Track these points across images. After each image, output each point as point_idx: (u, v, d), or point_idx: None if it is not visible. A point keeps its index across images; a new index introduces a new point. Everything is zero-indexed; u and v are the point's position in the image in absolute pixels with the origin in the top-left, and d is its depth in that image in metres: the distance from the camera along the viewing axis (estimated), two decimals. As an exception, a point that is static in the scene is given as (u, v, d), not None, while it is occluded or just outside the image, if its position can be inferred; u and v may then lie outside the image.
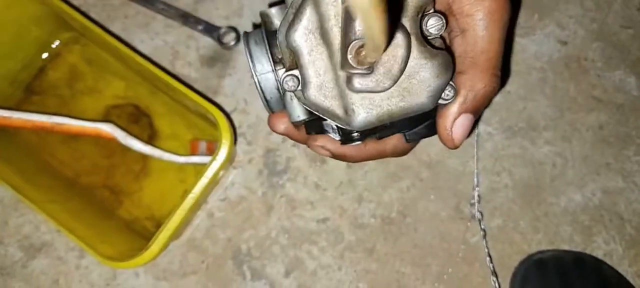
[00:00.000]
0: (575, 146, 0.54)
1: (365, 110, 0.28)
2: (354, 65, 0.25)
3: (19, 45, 0.54)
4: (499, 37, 0.29)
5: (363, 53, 0.24)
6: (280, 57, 0.32)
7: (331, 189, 0.53)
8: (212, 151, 0.53)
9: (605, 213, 0.52)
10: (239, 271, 0.51)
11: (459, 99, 0.30)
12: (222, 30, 0.56)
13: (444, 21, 0.28)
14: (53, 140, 0.55)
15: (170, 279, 0.51)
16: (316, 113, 0.30)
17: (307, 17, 0.27)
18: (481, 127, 0.54)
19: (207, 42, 0.56)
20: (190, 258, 0.52)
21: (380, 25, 0.18)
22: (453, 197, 0.53)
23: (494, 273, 0.50)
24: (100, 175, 0.54)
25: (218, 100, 0.55)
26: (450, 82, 0.29)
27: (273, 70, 0.32)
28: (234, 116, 0.55)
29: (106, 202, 0.54)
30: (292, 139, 0.37)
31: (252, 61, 0.32)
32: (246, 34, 0.33)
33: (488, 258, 0.51)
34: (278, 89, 0.33)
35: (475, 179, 0.53)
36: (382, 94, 0.28)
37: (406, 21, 0.27)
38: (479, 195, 0.52)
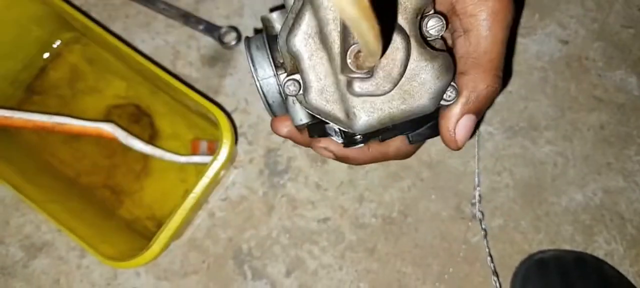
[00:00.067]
0: (576, 146, 0.54)
1: (366, 113, 0.28)
2: (354, 70, 0.25)
3: (19, 45, 0.54)
4: (502, 37, 0.29)
5: (361, 58, 0.24)
6: (281, 61, 0.32)
7: (332, 189, 0.53)
8: (213, 151, 0.53)
9: (607, 213, 0.52)
10: (240, 271, 0.52)
11: (462, 100, 0.30)
12: (223, 30, 0.56)
13: (444, 22, 0.28)
14: (54, 140, 0.55)
15: (171, 279, 0.52)
16: (318, 116, 0.30)
17: (307, 22, 0.27)
18: (482, 126, 0.54)
19: (208, 42, 0.56)
20: (191, 258, 0.52)
21: (373, 33, 0.18)
22: (454, 197, 0.53)
23: (495, 273, 0.50)
24: (101, 175, 0.54)
25: (219, 99, 0.55)
26: (452, 83, 0.29)
27: (275, 75, 0.32)
28: (234, 116, 0.55)
29: (107, 201, 0.54)
30: (295, 141, 0.37)
31: (253, 66, 0.32)
32: (247, 39, 0.33)
33: (489, 258, 0.51)
34: (280, 93, 0.32)
35: (476, 179, 0.52)
36: (383, 97, 0.28)
37: (405, 23, 0.27)
38: (479, 195, 0.52)
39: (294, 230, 0.52)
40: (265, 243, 0.52)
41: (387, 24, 0.26)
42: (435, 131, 0.33)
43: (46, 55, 0.56)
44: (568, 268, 0.49)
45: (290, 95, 0.30)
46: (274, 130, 0.36)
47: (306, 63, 0.28)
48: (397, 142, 0.35)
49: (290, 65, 0.30)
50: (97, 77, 0.56)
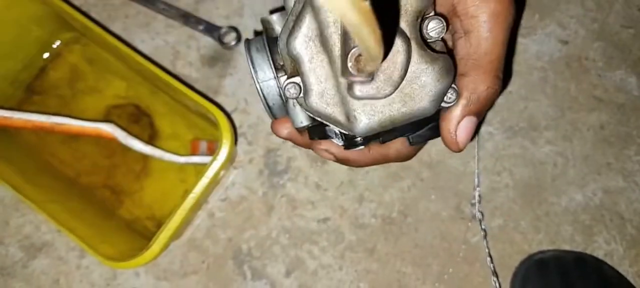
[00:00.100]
0: (576, 146, 0.54)
1: (367, 116, 0.28)
2: (354, 73, 0.25)
3: (19, 45, 0.54)
4: (502, 39, 0.29)
5: (362, 61, 0.24)
6: (281, 63, 0.32)
7: (332, 189, 0.53)
8: (212, 151, 0.53)
9: (606, 213, 0.52)
10: (239, 271, 0.52)
11: (462, 102, 0.30)
12: (223, 30, 0.56)
13: (444, 24, 0.28)
14: (54, 140, 0.55)
15: (171, 279, 0.52)
16: (318, 119, 0.30)
17: (307, 25, 0.27)
18: (482, 127, 0.54)
19: (207, 42, 0.56)
20: (190, 258, 0.52)
21: (374, 39, 0.18)
22: (454, 197, 0.53)
23: (495, 273, 0.50)
24: (100, 175, 0.54)
25: (219, 100, 0.55)
26: (453, 85, 0.29)
27: (275, 77, 0.32)
28: (234, 116, 0.55)
29: (107, 201, 0.54)
30: (295, 143, 0.37)
31: (253, 69, 0.32)
32: (247, 41, 0.33)
33: (489, 258, 0.51)
34: (280, 96, 0.32)
35: (476, 179, 0.52)
36: (383, 99, 0.27)
37: (406, 26, 0.27)
38: (479, 195, 0.52)
39: (294, 230, 0.52)
40: (265, 243, 0.52)
41: (388, 29, 0.26)
42: (435, 132, 0.32)
43: (46, 55, 0.56)
44: (568, 268, 0.49)
45: (290, 98, 0.30)
46: (275, 133, 0.36)
47: (306, 66, 0.28)
48: (398, 144, 0.35)
49: (291, 67, 0.30)
50: (96, 77, 0.56)
